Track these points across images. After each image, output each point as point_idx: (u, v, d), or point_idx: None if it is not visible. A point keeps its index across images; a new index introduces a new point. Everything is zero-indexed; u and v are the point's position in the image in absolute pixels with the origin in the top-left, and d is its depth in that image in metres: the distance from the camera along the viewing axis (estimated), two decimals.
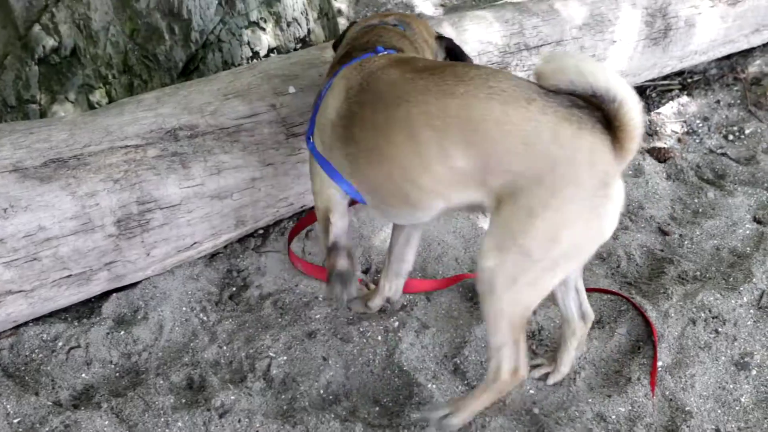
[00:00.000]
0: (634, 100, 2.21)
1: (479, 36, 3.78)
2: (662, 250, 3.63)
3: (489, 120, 2.27)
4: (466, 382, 2.95)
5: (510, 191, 2.28)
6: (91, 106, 3.85)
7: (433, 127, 2.34)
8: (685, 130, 4.57)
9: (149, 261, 3.10)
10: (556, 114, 2.22)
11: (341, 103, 2.60)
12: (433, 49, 3.05)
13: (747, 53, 4.99)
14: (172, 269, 3.28)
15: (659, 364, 2.96)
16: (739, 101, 4.68)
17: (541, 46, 3.92)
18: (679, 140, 4.47)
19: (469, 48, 3.70)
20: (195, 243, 3.19)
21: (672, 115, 4.65)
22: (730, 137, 4.44)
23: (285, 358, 3.00)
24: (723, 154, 4.30)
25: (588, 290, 3.23)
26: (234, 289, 3.37)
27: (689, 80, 4.95)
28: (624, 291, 3.33)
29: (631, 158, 2.29)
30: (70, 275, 2.93)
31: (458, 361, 3.01)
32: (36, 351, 2.99)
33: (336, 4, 5.18)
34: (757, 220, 3.78)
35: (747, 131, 4.49)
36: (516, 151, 2.25)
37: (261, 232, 3.56)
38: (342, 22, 5.08)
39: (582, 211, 2.28)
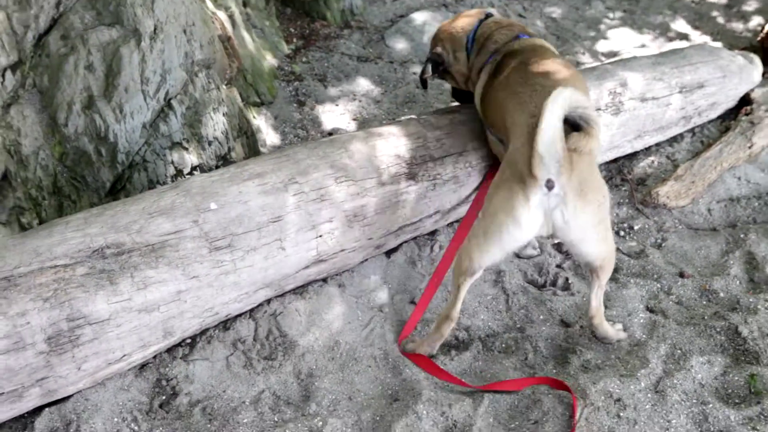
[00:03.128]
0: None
1: (389, 149, 3.84)
2: (566, 341, 3.66)
3: None
4: None
5: None
6: (23, 228, 3.80)
7: None
8: None
9: (80, 375, 3.03)
10: None
11: None
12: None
13: (632, 156, 5.13)
14: (103, 381, 3.21)
15: None
16: (627, 200, 4.79)
17: (445, 157, 3.99)
18: None
19: (379, 161, 3.77)
20: (125, 355, 3.13)
21: None
22: (622, 233, 4.54)
23: None
24: (617, 250, 4.38)
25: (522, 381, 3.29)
26: (164, 397, 3.30)
27: None
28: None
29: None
30: (2, 393, 2.84)
31: None
32: None
33: (255, 123, 5.21)
34: (649, 309, 3.85)
35: (636, 227, 4.60)
36: None
37: (189, 341, 3.51)
38: (261, 138, 5.11)
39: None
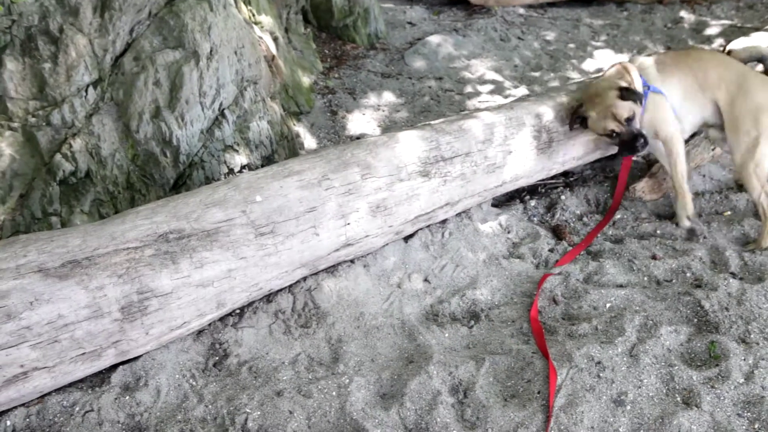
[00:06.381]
0: None
1: (407, 150, 3.84)
2: (553, 314, 3.66)
3: None
4: (404, 426, 2.94)
5: None
6: (101, 217, 3.83)
7: None
8: (570, 217, 4.64)
9: (148, 339, 3.06)
10: None
11: None
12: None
13: (612, 157, 5.10)
14: (167, 344, 3.24)
15: (556, 405, 2.98)
16: (608, 195, 4.77)
17: (454, 157, 3.98)
18: (566, 225, 4.53)
19: (398, 160, 3.77)
20: (184, 323, 3.15)
21: (559, 208, 4.71)
22: (607, 224, 4.51)
23: (259, 413, 2.96)
24: (602, 234, 4.37)
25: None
26: (217, 358, 3.33)
27: (571, 179, 5.03)
28: (528, 347, 3.36)
29: None
30: (84, 353, 2.88)
31: (399, 411, 3.00)
32: (57, 415, 2.93)
33: (295, 129, 5.23)
34: (623, 287, 3.83)
35: (616, 217, 4.58)
36: None
37: (238, 311, 3.53)
38: (300, 142, 5.13)
39: None
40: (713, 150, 4.95)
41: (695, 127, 4.42)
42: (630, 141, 4.10)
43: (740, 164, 4.16)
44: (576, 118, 4.28)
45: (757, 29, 6.35)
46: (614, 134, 4.13)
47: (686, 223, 4.32)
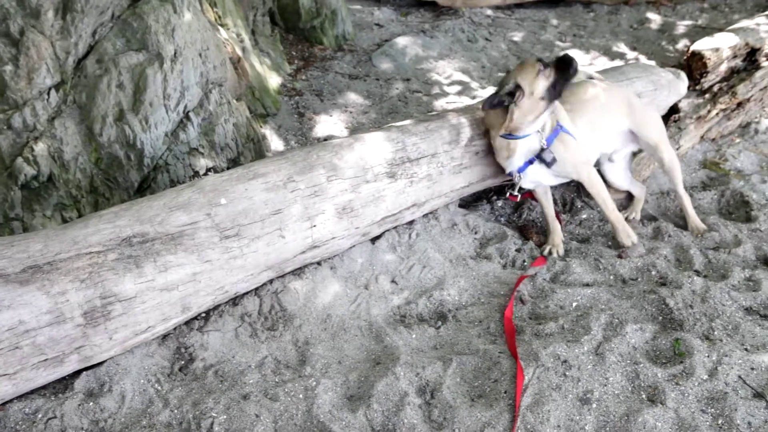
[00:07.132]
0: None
1: (373, 152, 3.84)
2: (520, 314, 3.68)
3: None
4: (371, 428, 2.94)
5: None
6: (64, 221, 3.80)
7: None
8: (537, 217, 4.66)
9: (112, 344, 3.03)
10: None
11: None
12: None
13: None
14: (131, 349, 3.20)
15: (523, 404, 2.99)
16: (575, 194, 4.80)
17: (420, 158, 3.99)
18: (533, 225, 4.55)
19: (364, 162, 3.77)
20: (149, 327, 3.13)
21: (526, 208, 4.74)
22: (571, 223, 4.54)
23: (225, 417, 2.94)
24: (568, 234, 4.40)
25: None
26: (183, 362, 3.31)
27: None
28: (495, 347, 3.36)
29: None
30: (47, 359, 2.85)
31: (367, 412, 3.00)
32: (20, 423, 2.89)
33: (261, 131, 5.21)
34: (592, 285, 3.85)
35: (583, 216, 4.61)
36: None
37: (203, 315, 3.51)
38: (267, 144, 5.11)
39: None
40: (678, 149, 5.01)
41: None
42: (566, 60, 3.88)
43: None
44: (512, 91, 3.85)
45: (720, 30, 6.42)
46: (544, 66, 3.82)
47: (634, 243, 4.20)
